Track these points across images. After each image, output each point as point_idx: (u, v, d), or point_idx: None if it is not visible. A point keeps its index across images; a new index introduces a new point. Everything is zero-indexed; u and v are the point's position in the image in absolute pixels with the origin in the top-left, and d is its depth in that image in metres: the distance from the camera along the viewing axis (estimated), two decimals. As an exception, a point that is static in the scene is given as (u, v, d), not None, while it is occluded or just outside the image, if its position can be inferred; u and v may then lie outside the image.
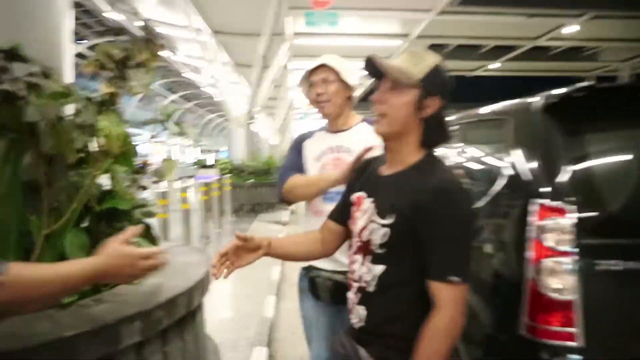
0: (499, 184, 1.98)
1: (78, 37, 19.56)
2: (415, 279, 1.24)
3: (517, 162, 1.90)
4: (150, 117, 2.07)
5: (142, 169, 2.47)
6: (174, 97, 34.96)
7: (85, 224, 1.92)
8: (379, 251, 1.27)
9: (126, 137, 2.04)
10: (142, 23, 2.10)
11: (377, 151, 1.53)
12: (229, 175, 11.74)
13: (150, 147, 33.96)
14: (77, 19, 18.11)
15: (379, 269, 1.28)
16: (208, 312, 4.16)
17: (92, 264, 1.02)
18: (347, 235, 1.51)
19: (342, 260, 1.83)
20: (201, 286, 2.08)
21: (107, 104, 1.69)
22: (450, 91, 1.31)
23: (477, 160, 2.45)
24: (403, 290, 1.27)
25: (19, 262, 0.93)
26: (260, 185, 11.99)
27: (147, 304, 1.69)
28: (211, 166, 17.31)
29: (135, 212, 2.17)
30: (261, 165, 12.83)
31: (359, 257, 1.36)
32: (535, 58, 15.52)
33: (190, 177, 19.92)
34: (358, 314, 1.36)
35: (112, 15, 13.44)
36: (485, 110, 2.44)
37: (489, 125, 2.39)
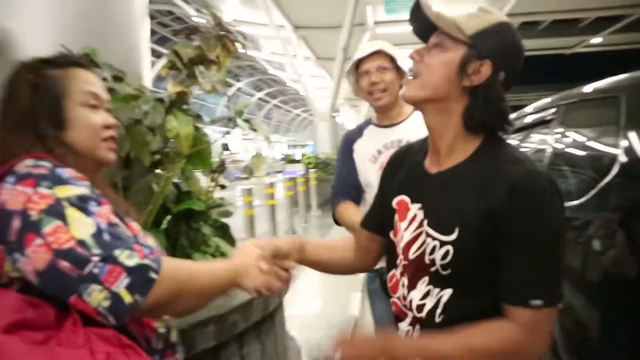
0: (611, 172, 1.71)
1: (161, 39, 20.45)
2: (494, 307, 0.93)
3: (633, 146, 1.62)
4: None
5: (220, 168, 2.46)
6: (260, 94, 36.05)
7: (164, 226, 1.93)
8: (444, 273, 0.96)
9: (201, 136, 2.04)
10: (217, 20, 2.07)
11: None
12: (314, 169, 11.83)
13: (240, 144, 35.40)
14: (164, 25, 19.13)
15: (447, 294, 0.97)
16: (292, 310, 4.19)
17: (235, 264, 0.96)
18: (390, 245, 1.17)
19: None
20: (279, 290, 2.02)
21: (176, 104, 1.67)
22: (511, 60, 0.97)
23: (581, 147, 2.16)
24: (480, 321, 0.93)
25: (169, 257, 0.90)
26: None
27: (221, 307, 1.66)
28: (298, 161, 17.64)
29: (212, 212, 2.16)
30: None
31: (405, 280, 1.05)
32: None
33: (279, 172, 20.46)
34: None
35: (198, 19, 14.04)
36: (589, 88, 2.14)
37: (594, 105, 2.09)
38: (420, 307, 1.00)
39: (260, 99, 37.12)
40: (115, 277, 0.77)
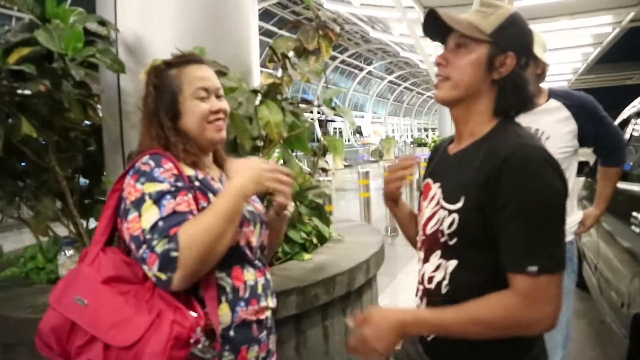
0: None
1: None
2: (497, 280, 0.96)
3: None
4: (365, 99, 2.17)
5: (320, 152, 2.62)
6: (391, 77, 35.79)
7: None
8: (450, 243, 1.02)
9: (301, 122, 2.20)
10: (315, 13, 2.21)
11: None
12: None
13: (370, 127, 35.66)
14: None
15: (452, 264, 1.02)
16: (403, 291, 4.25)
17: (233, 182, 1.10)
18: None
19: None
20: (365, 267, 2.12)
21: (269, 94, 1.84)
22: (528, 44, 1.05)
23: None
24: (483, 293, 0.96)
25: (185, 226, 1.04)
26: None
27: (305, 280, 1.81)
28: (427, 144, 17.30)
29: (307, 193, 2.32)
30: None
31: (421, 254, 1.13)
32: None
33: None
34: None
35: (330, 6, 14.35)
36: None
37: None
38: (430, 279, 1.07)
39: (391, 82, 36.86)
40: (152, 262, 0.98)
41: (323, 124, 26.80)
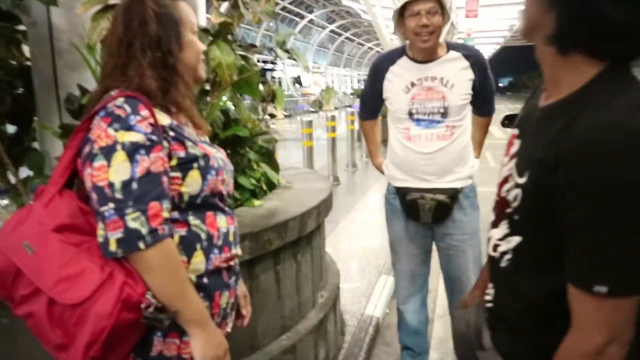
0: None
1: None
2: (559, 267, 0.79)
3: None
4: (306, 48, 2.12)
5: (269, 97, 2.56)
6: (332, 27, 35.24)
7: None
8: (515, 217, 0.87)
9: (250, 65, 2.13)
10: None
11: None
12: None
13: (311, 77, 35.25)
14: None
15: (515, 240, 0.88)
16: (344, 239, 4.38)
17: (209, 321, 1.05)
18: None
19: (431, 178, 1.98)
20: (316, 212, 2.15)
21: (220, 35, 1.75)
22: None
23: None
24: (542, 276, 0.84)
25: (177, 251, 1.01)
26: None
27: (258, 225, 1.81)
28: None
29: (257, 139, 2.28)
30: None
31: (492, 216, 0.98)
32: None
33: (348, 106, 20.33)
34: (490, 292, 1.00)
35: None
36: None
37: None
38: (495, 247, 0.94)
39: (332, 31, 36.31)
40: (114, 227, 0.92)
41: (261, 73, 26.13)
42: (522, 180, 0.84)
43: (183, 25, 1.10)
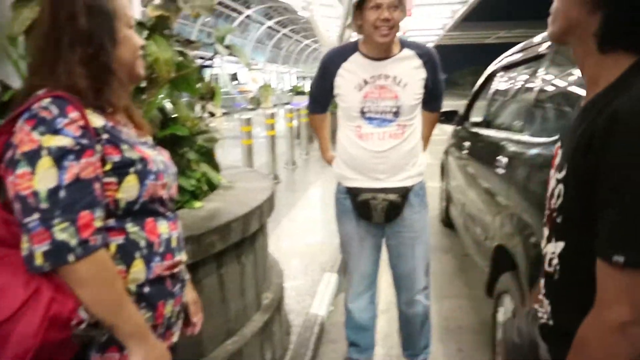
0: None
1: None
2: None
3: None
4: (244, 44, 2.04)
5: (208, 95, 2.48)
6: (270, 23, 34.97)
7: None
8: (558, 220, 0.85)
9: (187, 62, 2.05)
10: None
11: None
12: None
13: (248, 74, 34.79)
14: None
15: (559, 246, 0.86)
16: (285, 237, 4.35)
17: (147, 329, 0.98)
18: None
19: (382, 177, 1.98)
20: (259, 212, 2.11)
21: (156, 29, 1.67)
22: None
23: (565, 88, 2.15)
24: (592, 279, 0.78)
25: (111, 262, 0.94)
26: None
27: (200, 228, 1.75)
28: (305, 93, 17.39)
29: (197, 138, 2.21)
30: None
31: (546, 231, 0.94)
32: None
33: (286, 104, 20.25)
34: (545, 309, 0.94)
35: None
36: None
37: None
38: (550, 261, 0.91)
39: (270, 27, 36.03)
40: (40, 239, 0.84)
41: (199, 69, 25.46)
42: (561, 174, 0.83)
43: (118, 18, 1.02)
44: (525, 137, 2.31)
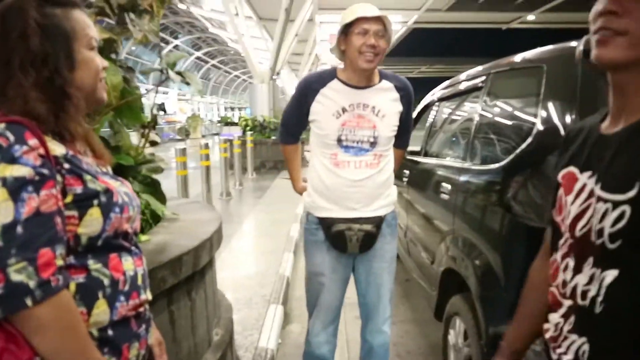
0: (527, 140, 1.82)
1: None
2: None
3: (550, 115, 1.73)
4: (171, 74, 1.95)
5: (151, 123, 2.38)
6: (198, 54, 34.72)
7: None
8: (611, 246, 0.77)
9: (131, 89, 1.95)
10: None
11: None
12: (251, 132, 11.69)
13: (176, 105, 34.13)
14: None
15: (610, 275, 0.78)
16: (225, 269, 4.21)
17: None
18: (553, 226, 0.99)
19: (357, 207, 1.96)
20: (209, 245, 2.02)
21: (103, 52, 1.58)
22: None
23: (507, 115, 2.28)
24: None
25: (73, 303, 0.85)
26: (283, 143, 11.90)
27: (150, 263, 1.63)
28: (235, 123, 17.30)
29: (141, 168, 2.10)
30: (284, 122, 12.70)
31: (570, 261, 0.88)
32: (576, 8, 14.62)
33: (216, 134, 20.00)
34: (573, 347, 0.86)
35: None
36: (517, 57, 2.24)
37: (520, 74, 2.20)
38: (584, 294, 0.83)
39: (198, 58, 35.74)
40: None
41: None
42: (629, 195, 0.75)
43: (76, 39, 0.95)
44: (468, 164, 2.41)
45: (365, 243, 2.01)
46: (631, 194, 0.74)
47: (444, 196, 2.61)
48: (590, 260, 0.82)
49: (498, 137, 2.25)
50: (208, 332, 2.09)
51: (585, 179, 0.85)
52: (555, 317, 0.91)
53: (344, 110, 1.93)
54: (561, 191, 0.92)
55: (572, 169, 0.91)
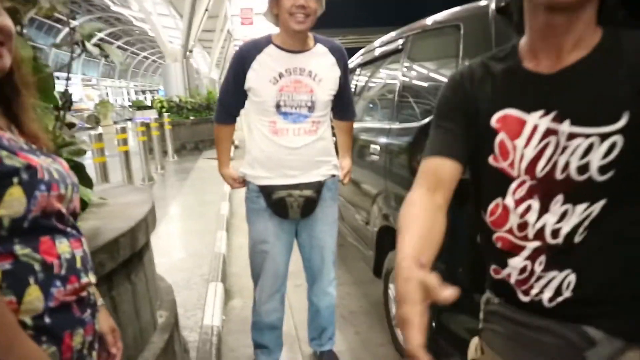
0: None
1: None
2: None
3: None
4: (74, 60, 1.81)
5: (66, 104, 2.23)
6: (101, 35, 32.53)
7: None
8: (600, 179, 0.80)
9: (40, 66, 1.81)
10: None
11: None
12: (167, 114, 11.25)
13: (82, 91, 31.93)
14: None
15: (598, 207, 0.81)
16: (159, 253, 4.08)
17: None
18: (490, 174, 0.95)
19: (297, 174, 1.97)
20: (144, 225, 1.95)
21: (8, 25, 1.44)
22: None
23: (423, 77, 2.37)
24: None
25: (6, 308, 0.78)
26: (202, 122, 11.58)
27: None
28: (149, 107, 16.53)
29: (62, 151, 1.96)
30: (201, 101, 12.33)
31: (534, 203, 0.87)
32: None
33: (129, 120, 19.00)
34: (554, 283, 0.87)
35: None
36: (431, 19, 2.32)
37: (437, 35, 2.29)
38: (555, 232, 0.85)
39: (101, 39, 33.48)
40: None
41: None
42: (618, 126, 0.77)
43: None
44: (395, 125, 2.49)
45: (307, 208, 2.04)
46: (620, 124, 0.77)
47: (374, 157, 2.68)
48: (559, 197, 0.84)
49: (419, 98, 2.34)
50: (152, 315, 2.04)
51: (536, 119, 0.85)
52: (517, 262, 0.91)
53: (280, 75, 1.93)
54: (502, 136, 0.90)
55: (512, 111, 0.88)
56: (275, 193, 1.99)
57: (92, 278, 0.99)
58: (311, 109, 1.95)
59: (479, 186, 0.98)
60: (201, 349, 2.46)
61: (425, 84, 2.35)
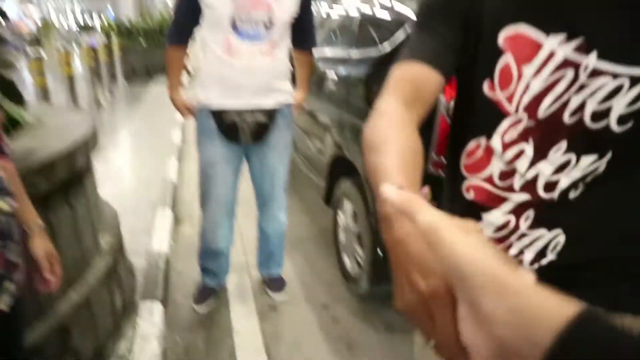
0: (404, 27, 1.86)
1: None
2: None
3: None
4: None
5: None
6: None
7: None
8: (617, 129, 0.65)
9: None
10: None
11: None
12: (117, 38, 10.60)
13: (18, 9, 29.38)
14: None
15: (603, 163, 0.68)
16: (106, 179, 3.96)
17: None
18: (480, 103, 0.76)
19: (250, 97, 1.91)
20: (84, 147, 1.86)
21: None
22: None
23: (385, 5, 2.29)
24: None
25: None
26: (154, 47, 10.99)
27: (19, 169, 1.47)
28: (101, 29, 15.50)
29: (-13, 64, 1.81)
30: (154, 25, 11.63)
31: (527, 148, 0.72)
32: None
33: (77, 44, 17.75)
34: (539, 244, 0.75)
35: None
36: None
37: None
38: (550, 186, 0.72)
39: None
40: None
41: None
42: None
43: None
44: (352, 54, 2.42)
45: (258, 133, 1.99)
46: None
47: (330, 87, 2.63)
48: (563, 145, 0.69)
49: (378, 26, 2.27)
50: (94, 239, 1.99)
51: (555, 45, 0.66)
52: (495, 216, 0.77)
53: None
54: (508, 58, 0.70)
55: (527, 29, 0.67)
56: (227, 115, 1.93)
57: (4, 205, 0.93)
58: (268, 28, 1.85)
59: (460, 117, 0.81)
60: (148, 272, 2.46)
61: (383, 14, 2.28)
